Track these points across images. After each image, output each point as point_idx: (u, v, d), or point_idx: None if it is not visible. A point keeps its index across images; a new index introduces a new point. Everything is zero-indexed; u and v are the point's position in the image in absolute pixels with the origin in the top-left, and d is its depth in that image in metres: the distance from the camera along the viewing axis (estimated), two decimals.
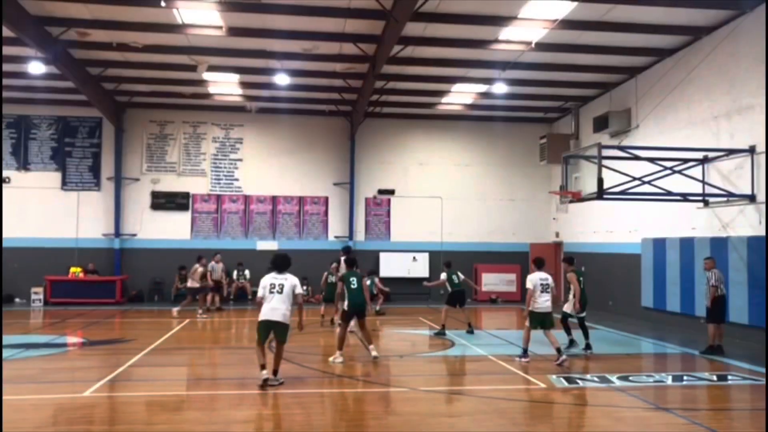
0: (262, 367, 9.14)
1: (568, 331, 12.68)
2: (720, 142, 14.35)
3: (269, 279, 9.28)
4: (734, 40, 13.98)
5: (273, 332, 9.19)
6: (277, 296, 9.12)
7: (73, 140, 22.29)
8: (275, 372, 9.26)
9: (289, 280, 9.25)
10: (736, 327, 12.30)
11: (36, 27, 14.82)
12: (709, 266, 12.28)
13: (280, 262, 9.46)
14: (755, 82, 13.34)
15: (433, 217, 23.51)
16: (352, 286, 11.22)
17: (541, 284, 11.02)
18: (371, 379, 10.13)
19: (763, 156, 13.03)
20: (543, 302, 11.02)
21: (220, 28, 14.89)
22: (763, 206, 13.01)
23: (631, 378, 9.94)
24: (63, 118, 22.20)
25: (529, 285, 11.05)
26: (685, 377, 10.35)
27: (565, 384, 9.54)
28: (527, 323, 11.21)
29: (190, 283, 17.73)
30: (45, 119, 22.16)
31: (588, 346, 12.18)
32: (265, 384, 8.98)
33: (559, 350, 10.91)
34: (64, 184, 22.20)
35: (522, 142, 23.62)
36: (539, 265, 11.39)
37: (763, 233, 12.95)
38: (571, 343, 12.54)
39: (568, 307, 12.56)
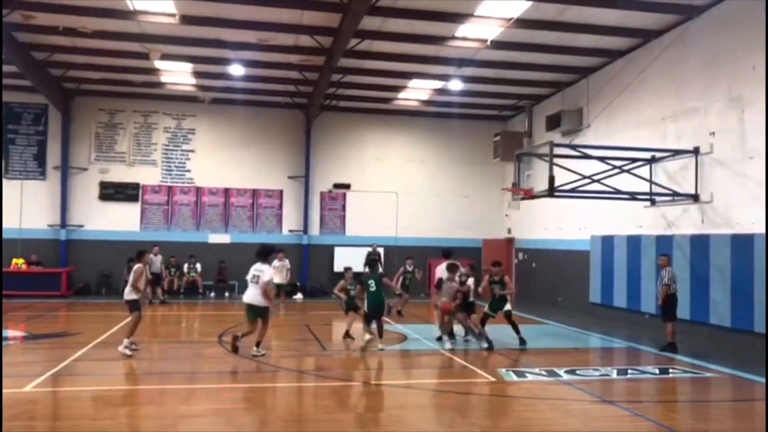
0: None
1: (516, 330, 12.54)
2: (667, 143, 14.76)
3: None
4: (681, 44, 14.39)
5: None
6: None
7: (16, 127, 21.48)
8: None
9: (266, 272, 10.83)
10: (679, 323, 12.66)
11: None
12: (664, 263, 12.34)
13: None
14: (700, 85, 13.79)
15: (388, 212, 23.52)
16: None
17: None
18: (323, 373, 10.10)
19: (706, 157, 13.48)
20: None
21: (173, 15, 14.55)
22: (705, 206, 13.48)
23: (578, 372, 10.16)
24: (6, 104, 21.34)
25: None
26: (629, 371, 10.63)
27: (515, 377, 9.70)
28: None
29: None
30: None
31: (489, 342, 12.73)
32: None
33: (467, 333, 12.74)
34: (7, 172, 21.37)
35: (476, 140, 23.83)
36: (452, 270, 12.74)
37: (705, 231, 13.43)
38: (489, 344, 12.48)
39: (508, 305, 12.86)
